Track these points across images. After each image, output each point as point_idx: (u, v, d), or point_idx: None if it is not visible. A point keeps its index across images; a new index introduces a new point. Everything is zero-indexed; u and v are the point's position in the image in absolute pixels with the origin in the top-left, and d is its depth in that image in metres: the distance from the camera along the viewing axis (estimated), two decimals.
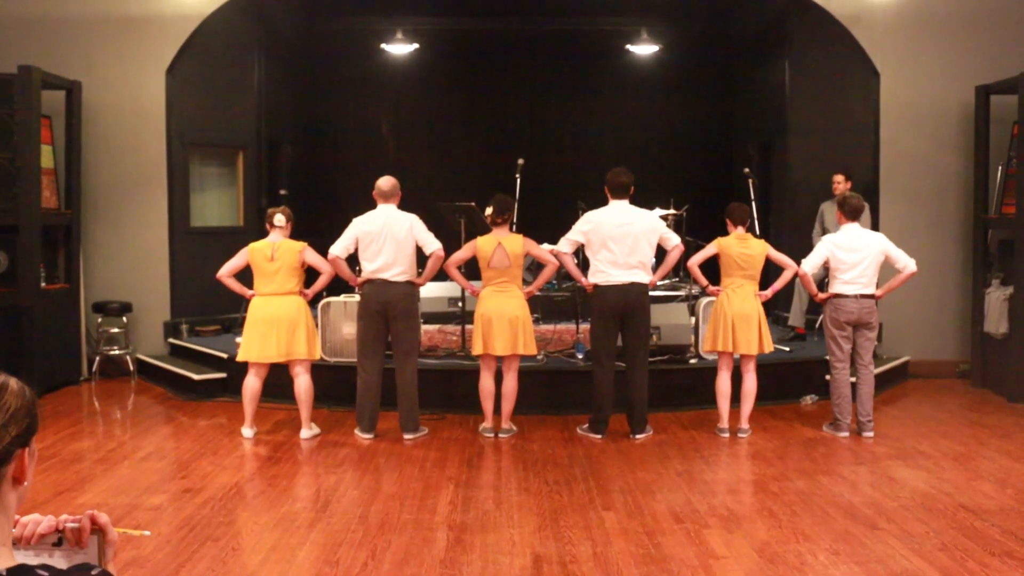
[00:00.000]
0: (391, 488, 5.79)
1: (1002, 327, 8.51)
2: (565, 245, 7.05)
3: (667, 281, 9.95)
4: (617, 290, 6.86)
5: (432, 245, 6.88)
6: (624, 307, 6.88)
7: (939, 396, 8.61)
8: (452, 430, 7.23)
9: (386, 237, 6.84)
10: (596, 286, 6.94)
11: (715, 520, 5.17)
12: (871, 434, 6.97)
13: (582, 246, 7.09)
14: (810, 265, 7.02)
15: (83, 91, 9.17)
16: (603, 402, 6.99)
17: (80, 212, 9.24)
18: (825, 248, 7.02)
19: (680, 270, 10.21)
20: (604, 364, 7.01)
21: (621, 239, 6.85)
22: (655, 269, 7.18)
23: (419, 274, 7.03)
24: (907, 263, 6.96)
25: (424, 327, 8.60)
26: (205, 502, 5.47)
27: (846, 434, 6.99)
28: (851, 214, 7.03)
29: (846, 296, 6.93)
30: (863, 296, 6.92)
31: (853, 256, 6.91)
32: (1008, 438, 7.05)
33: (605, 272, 6.88)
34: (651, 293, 7.18)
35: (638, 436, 6.95)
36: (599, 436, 6.96)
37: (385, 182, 7.02)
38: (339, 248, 6.92)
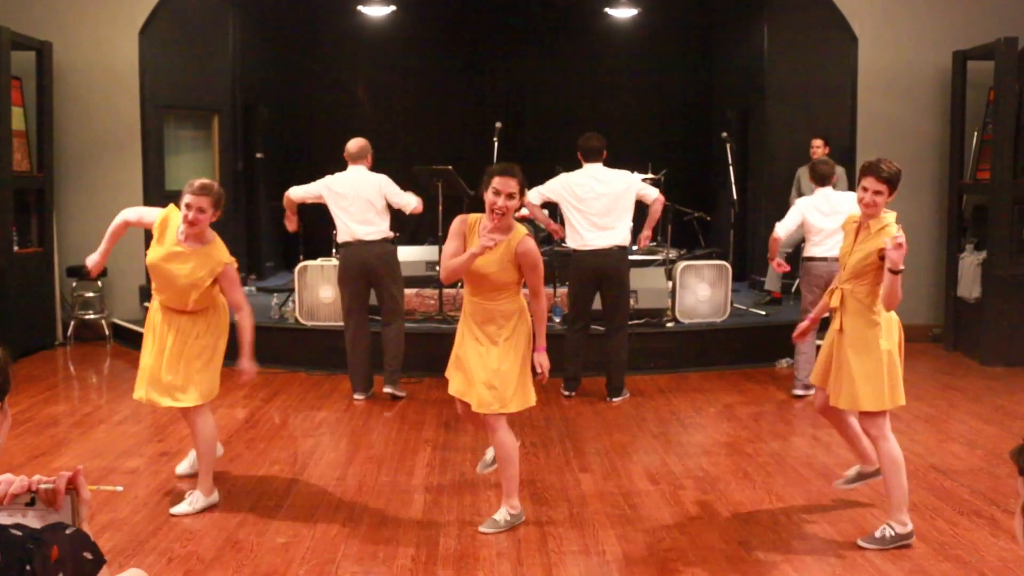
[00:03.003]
0: (368, 451, 5.81)
1: (975, 292, 8.60)
2: (534, 196, 6.91)
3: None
4: (594, 255, 6.83)
5: (410, 205, 6.90)
6: (601, 272, 6.87)
7: (912, 360, 8.59)
8: (430, 393, 7.25)
9: (354, 199, 6.83)
10: (574, 251, 6.91)
11: (690, 481, 5.23)
12: None
13: (557, 206, 7.06)
14: (783, 229, 7.02)
15: (54, 52, 9.01)
16: (568, 361, 7.04)
17: (53, 175, 9.13)
18: (798, 212, 7.02)
19: (658, 234, 10.23)
20: (574, 325, 7.07)
21: (597, 200, 6.82)
22: (635, 230, 7.10)
23: (395, 236, 7.02)
24: None
25: None
26: None
27: (800, 392, 7.02)
28: (820, 180, 7.03)
29: (816, 259, 6.95)
30: (834, 259, 6.93)
31: (827, 221, 6.90)
32: (978, 401, 7.14)
33: (581, 236, 6.86)
34: (629, 257, 7.15)
35: (614, 399, 6.99)
36: (568, 393, 7.08)
37: (353, 144, 7.00)
38: (299, 191, 6.95)
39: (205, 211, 4.54)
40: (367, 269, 6.88)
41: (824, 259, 6.93)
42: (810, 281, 7.00)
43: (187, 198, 4.51)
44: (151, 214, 4.77)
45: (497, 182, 4.28)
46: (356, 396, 7.05)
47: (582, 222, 6.84)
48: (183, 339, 4.66)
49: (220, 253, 4.65)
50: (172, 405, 4.72)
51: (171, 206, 4.71)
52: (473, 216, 4.48)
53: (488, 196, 4.30)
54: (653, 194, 6.99)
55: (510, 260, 4.32)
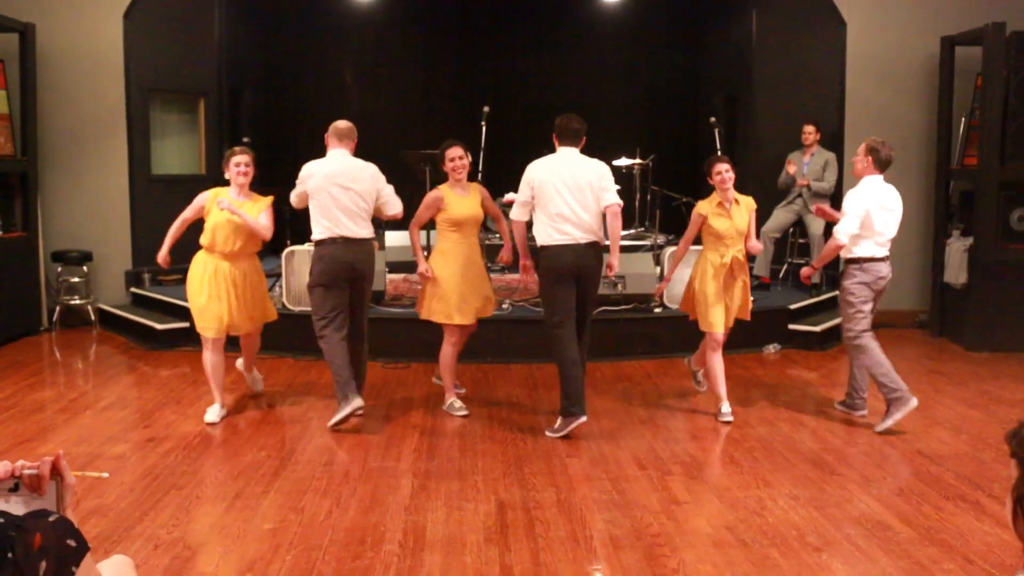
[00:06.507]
0: (356, 436, 5.80)
1: (961, 277, 8.63)
2: (519, 213, 5.97)
3: (632, 231, 9.96)
4: (571, 250, 5.75)
5: (396, 207, 6.19)
6: (580, 269, 5.81)
7: (898, 345, 8.71)
8: (417, 378, 7.24)
9: (345, 188, 5.94)
10: (545, 248, 5.81)
11: (677, 467, 5.24)
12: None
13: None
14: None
15: (37, 34, 8.92)
16: (573, 377, 5.80)
17: (37, 159, 9.05)
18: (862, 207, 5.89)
19: (646, 220, 10.24)
20: (567, 328, 5.85)
21: (573, 191, 5.75)
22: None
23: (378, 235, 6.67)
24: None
25: (389, 276, 8.57)
26: (168, 451, 5.45)
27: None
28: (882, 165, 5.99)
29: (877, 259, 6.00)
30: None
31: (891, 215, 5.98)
32: (964, 386, 7.18)
33: (556, 228, 5.76)
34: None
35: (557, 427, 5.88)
36: (583, 419, 5.79)
37: (345, 123, 6.15)
38: (297, 199, 6.13)
39: (250, 165, 6.16)
40: (353, 268, 5.97)
41: (884, 259, 6.06)
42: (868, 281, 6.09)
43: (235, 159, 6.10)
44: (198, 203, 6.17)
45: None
46: (348, 410, 5.89)
47: (556, 214, 5.77)
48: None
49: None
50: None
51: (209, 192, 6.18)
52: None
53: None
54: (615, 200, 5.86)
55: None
